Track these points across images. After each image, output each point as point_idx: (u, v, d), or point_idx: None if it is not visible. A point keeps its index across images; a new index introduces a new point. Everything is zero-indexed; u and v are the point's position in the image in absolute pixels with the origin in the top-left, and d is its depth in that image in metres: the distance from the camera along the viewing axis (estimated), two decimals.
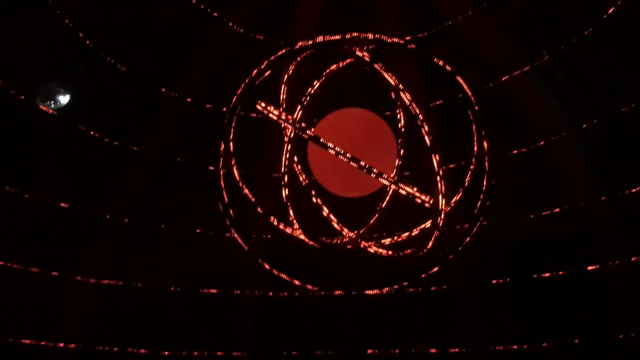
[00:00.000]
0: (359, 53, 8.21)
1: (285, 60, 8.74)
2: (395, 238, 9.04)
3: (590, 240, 12.55)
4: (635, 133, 12.21)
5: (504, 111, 13.02)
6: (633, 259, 11.75)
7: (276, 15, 13.83)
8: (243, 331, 13.69)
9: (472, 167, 8.43)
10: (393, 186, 8.37)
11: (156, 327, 12.94)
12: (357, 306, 13.04)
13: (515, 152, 13.12)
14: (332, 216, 9.06)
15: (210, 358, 13.22)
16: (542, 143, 12.89)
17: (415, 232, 8.73)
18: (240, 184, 8.83)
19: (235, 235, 8.51)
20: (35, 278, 11.66)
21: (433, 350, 13.27)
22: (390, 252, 8.81)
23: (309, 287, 8.85)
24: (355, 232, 9.12)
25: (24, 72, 11.64)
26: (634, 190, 11.90)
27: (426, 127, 7.70)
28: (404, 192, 8.18)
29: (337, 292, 10.17)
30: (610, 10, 11.67)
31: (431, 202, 7.83)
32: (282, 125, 8.74)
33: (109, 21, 12.59)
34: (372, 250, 8.89)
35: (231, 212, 8.38)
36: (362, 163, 8.11)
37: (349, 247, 8.92)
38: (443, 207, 7.72)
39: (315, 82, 9.22)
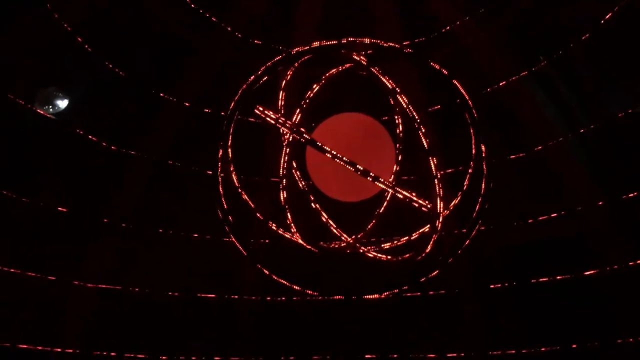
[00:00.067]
0: (356, 57, 8.24)
1: (283, 66, 8.75)
2: (395, 242, 9.04)
3: (588, 245, 12.57)
4: (632, 138, 12.25)
5: (502, 116, 13.07)
6: (631, 263, 11.77)
7: (275, 21, 13.87)
8: (241, 336, 13.66)
9: (470, 170, 8.43)
10: (390, 190, 8.38)
11: (154, 331, 12.91)
12: (356, 311, 13.03)
13: (513, 157, 13.15)
14: (330, 221, 9.06)
15: None
16: (539, 148, 12.92)
17: (414, 236, 8.72)
18: (240, 190, 8.83)
19: (236, 242, 8.51)
20: (32, 282, 11.63)
21: (431, 355, 13.26)
22: (389, 257, 8.81)
23: (309, 292, 8.85)
24: (353, 237, 9.13)
25: (23, 76, 11.63)
26: (631, 195, 11.92)
27: (423, 130, 7.71)
28: (401, 196, 8.18)
29: (337, 297, 10.15)
30: (607, 16, 11.73)
31: (429, 206, 7.84)
32: (280, 129, 8.75)
33: (108, 26, 12.59)
34: (371, 255, 8.88)
35: (230, 219, 8.38)
36: (359, 167, 8.12)
37: (347, 251, 8.93)
38: (441, 210, 7.73)
39: (315, 85, 9.23)
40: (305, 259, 8.83)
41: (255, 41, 13.78)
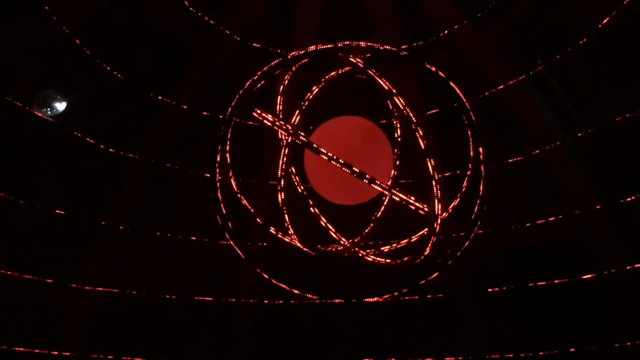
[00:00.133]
0: (352, 60, 8.25)
1: (281, 71, 8.77)
2: (394, 245, 9.03)
3: (585, 249, 12.57)
4: (629, 142, 12.27)
5: (500, 120, 13.09)
6: (628, 267, 11.77)
7: (274, 23, 13.89)
8: (239, 339, 13.64)
9: (468, 172, 8.43)
10: (386, 192, 8.37)
11: (151, 335, 12.88)
12: (354, 314, 13.02)
13: (511, 160, 13.16)
14: (329, 225, 9.05)
15: None
16: (537, 152, 12.94)
17: (414, 239, 8.71)
18: (239, 194, 8.84)
19: (236, 248, 8.51)
20: (29, 285, 11.61)
21: (430, 359, 13.24)
22: (388, 260, 8.79)
23: (309, 296, 8.84)
24: (350, 240, 9.11)
25: (21, 78, 11.63)
26: (629, 199, 11.94)
27: (421, 132, 7.71)
28: (398, 199, 8.18)
29: (337, 301, 10.13)
30: (605, 20, 11.76)
31: (426, 208, 7.84)
32: (278, 132, 8.76)
33: (106, 28, 12.60)
34: (369, 259, 8.87)
35: (230, 224, 8.38)
36: (355, 169, 8.12)
37: (345, 255, 8.91)
38: (439, 212, 7.72)
39: (314, 87, 9.24)
40: (303, 262, 8.82)
41: (255, 44, 13.80)
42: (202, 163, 8.92)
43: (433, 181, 7.69)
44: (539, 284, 12.70)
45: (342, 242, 9.03)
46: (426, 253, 7.89)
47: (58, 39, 11.66)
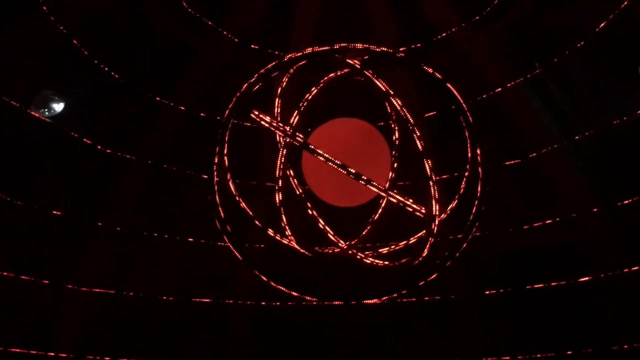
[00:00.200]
0: (349, 61, 8.26)
1: (278, 73, 8.77)
2: (393, 247, 9.02)
3: (583, 252, 12.59)
4: (627, 145, 12.30)
5: (497, 122, 13.12)
6: (626, 270, 11.79)
7: (274, 24, 13.89)
8: (236, 341, 13.62)
9: (466, 174, 8.43)
10: (383, 194, 8.38)
11: (148, 336, 12.86)
12: (350, 317, 13.01)
13: (508, 163, 13.18)
14: (327, 228, 9.03)
15: None
16: (534, 154, 12.96)
17: (412, 240, 8.70)
18: (237, 197, 8.83)
19: (235, 251, 8.50)
20: (26, 286, 11.58)
21: None
22: (386, 262, 8.78)
23: (308, 298, 8.83)
24: (347, 242, 9.10)
25: (18, 79, 11.62)
26: (626, 202, 11.96)
27: (418, 132, 7.71)
28: (394, 200, 8.19)
29: (336, 303, 10.12)
30: (603, 24, 11.80)
31: (423, 210, 7.84)
32: (275, 132, 8.76)
33: (104, 29, 12.60)
34: (367, 261, 8.86)
35: (228, 228, 8.38)
36: (351, 170, 8.12)
37: (342, 256, 8.90)
38: (437, 213, 7.72)
39: (314, 88, 9.25)
40: (302, 264, 8.81)
41: (255, 46, 13.80)
42: (201, 164, 8.91)
43: (430, 182, 7.69)
44: (536, 286, 12.71)
45: (340, 245, 9.03)
46: (424, 255, 7.88)
47: (57, 39, 11.64)
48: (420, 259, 7.92)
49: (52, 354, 11.85)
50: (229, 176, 8.66)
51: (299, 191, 9.36)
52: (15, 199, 11.45)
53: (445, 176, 11.87)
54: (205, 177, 8.69)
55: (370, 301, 8.81)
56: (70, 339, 12.22)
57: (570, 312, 12.36)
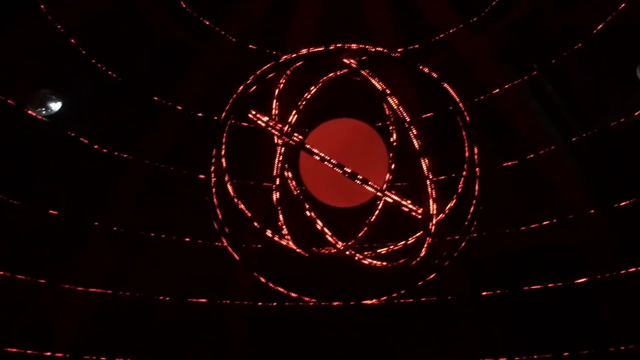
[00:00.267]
0: (346, 61, 8.27)
1: (275, 74, 8.78)
2: (391, 247, 9.03)
3: (579, 253, 12.61)
4: (624, 147, 12.33)
5: (495, 124, 13.13)
6: (622, 271, 11.81)
7: (272, 26, 13.88)
8: (233, 341, 13.60)
9: (464, 173, 8.44)
10: (379, 194, 8.38)
11: (145, 336, 12.84)
12: (348, 317, 13.00)
13: (505, 164, 13.19)
14: (326, 229, 9.03)
15: None
16: (532, 156, 12.97)
17: (410, 240, 8.71)
18: (235, 199, 8.84)
19: (232, 252, 8.50)
20: (22, 286, 11.54)
21: None
22: (384, 263, 8.79)
23: (307, 299, 8.83)
24: (344, 244, 9.10)
25: (16, 78, 11.59)
26: (623, 203, 11.98)
27: (414, 131, 7.72)
28: (390, 200, 8.20)
29: (335, 303, 10.13)
30: (600, 26, 11.82)
31: (419, 210, 7.85)
32: (273, 132, 8.76)
33: (103, 29, 12.57)
34: (365, 262, 8.87)
35: (227, 230, 8.38)
36: (347, 169, 8.13)
37: (339, 256, 8.90)
38: (434, 212, 7.73)
39: (312, 87, 9.26)
40: (300, 264, 8.82)
41: (255, 46, 13.77)
42: (200, 164, 8.90)
43: (427, 181, 7.70)
44: (533, 287, 12.72)
45: (337, 246, 9.03)
46: (422, 255, 7.89)
47: (57, 40, 11.62)
48: (418, 259, 7.93)
49: (49, 353, 11.81)
50: (227, 178, 8.66)
51: (296, 192, 9.37)
52: (15, 199, 11.41)
53: (442, 177, 11.89)
54: (203, 177, 8.69)
55: (368, 301, 8.82)
56: (70, 340, 12.19)
57: (568, 314, 12.38)
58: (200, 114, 13.46)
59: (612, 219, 12.25)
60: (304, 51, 8.42)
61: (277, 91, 9.19)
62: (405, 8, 13.64)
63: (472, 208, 7.95)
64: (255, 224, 8.97)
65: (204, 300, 13.40)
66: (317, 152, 8.32)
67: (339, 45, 8.25)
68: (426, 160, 7.71)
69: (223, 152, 8.55)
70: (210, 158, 8.50)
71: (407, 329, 13.55)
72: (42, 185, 12.19)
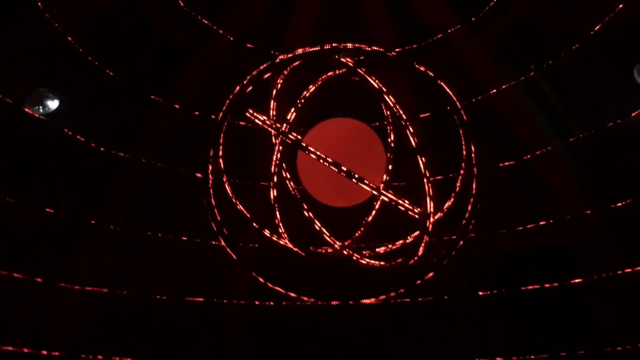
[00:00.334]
0: (343, 60, 8.26)
1: (272, 74, 8.77)
2: (390, 247, 9.03)
3: (576, 253, 12.64)
4: (621, 147, 12.36)
5: (492, 124, 13.14)
6: (619, 272, 11.84)
7: (272, 26, 13.87)
8: (231, 341, 13.60)
9: (462, 172, 8.43)
10: (375, 192, 8.38)
11: (143, 336, 12.82)
12: (345, 317, 13.00)
13: (502, 164, 13.20)
14: (324, 229, 9.03)
15: None
16: (529, 156, 12.99)
17: (409, 239, 8.71)
18: (234, 199, 8.83)
19: (231, 253, 8.50)
20: (19, 284, 11.51)
21: None
22: (382, 263, 8.79)
23: (305, 298, 8.83)
24: (340, 244, 9.09)
25: (15, 78, 11.56)
26: (619, 204, 12.01)
27: (411, 129, 7.71)
28: (387, 199, 8.20)
29: (334, 303, 10.12)
30: (597, 27, 11.84)
31: (416, 209, 7.85)
32: (270, 131, 8.76)
33: (101, 27, 12.54)
34: (362, 261, 8.86)
35: (225, 231, 8.37)
36: (343, 167, 8.13)
37: (336, 256, 8.90)
38: (431, 210, 7.72)
39: (311, 86, 9.25)
40: (297, 264, 8.82)
41: (255, 46, 13.75)
42: (198, 163, 8.89)
43: (424, 179, 7.69)
44: (529, 287, 12.74)
45: (335, 246, 9.02)
46: (420, 254, 7.89)
47: (56, 39, 11.58)
48: (416, 258, 7.93)
49: (45, 352, 11.79)
50: (224, 178, 8.66)
51: (294, 192, 9.37)
52: (14, 198, 11.38)
53: (439, 177, 11.90)
54: (200, 176, 8.68)
55: (367, 301, 8.82)
56: (64, 338, 12.16)
57: (564, 314, 12.41)
58: (199, 113, 13.43)
59: (608, 220, 12.28)
60: (299, 51, 8.41)
61: (274, 91, 9.18)
62: (404, 9, 13.63)
63: (469, 206, 7.94)
64: (254, 224, 8.97)
65: (202, 299, 13.39)
66: (313, 150, 8.31)
67: (335, 44, 8.23)
68: (423, 158, 7.68)
69: (221, 154, 8.54)
70: (207, 159, 8.49)
71: (404, 328, 13.57)
72: (41, 185, 12.16)
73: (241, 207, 8.91)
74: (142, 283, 12.91)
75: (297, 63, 8.62)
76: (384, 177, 9.32)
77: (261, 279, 8.54)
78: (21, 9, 11.10)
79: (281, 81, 9.10)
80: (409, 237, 8.81)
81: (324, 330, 13.37)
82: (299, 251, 8.73)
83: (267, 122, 8.63)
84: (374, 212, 9.69)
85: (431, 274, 8.17)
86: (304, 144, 8.39)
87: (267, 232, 8.93)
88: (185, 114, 13.40)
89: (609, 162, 12.71)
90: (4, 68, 11.26)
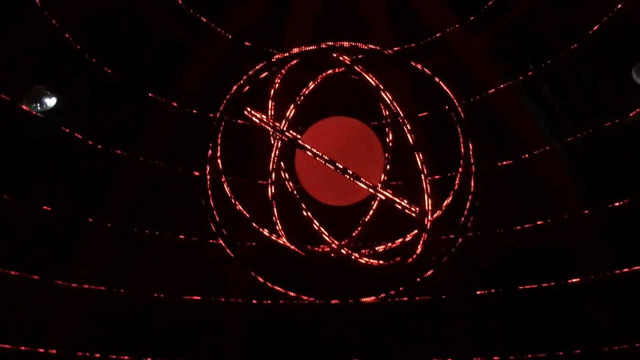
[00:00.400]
0: (340, 58, 8.27)
1: (269, 74, 8.78)
2: (389, 245, 9.02)
3: (574, 253, 12.65)
4: (619, 147, 12.37)
5: (491, 123, 13.15)
6: (617, 272, 11.85)
7: (272, 25, 13.88)
8: (230, 340, 13.61)
9: (460, 169, 8.43)
10: (371, 190, 8.38)
11: (139, 333, 12.83)
12: (344, 316, 13.02)
13: (501, 164, 13.22)
14: (322, 229, 9.03)
15: None
16: (527, 156, 13.00)
17: (408, 238, 8.71)
18: (233, 199, 8.84)
19: (230, 253, 8.51)
20: (16, 282, 11.53)
21: None
22: (380, 262, 8.79)
23: (304, 298, 8.84)
24: (339, 242, 9.10)
25: (14, 77, 11.58)
26: (617, 204, 12.02)
27: (409, 126, 7.71)
28: (383, 197, 8.20)
29: (333, 302, 10.13)
30: (596, 27, 11.86)
31: (413, 208, 7.85)
32: (268, 129, 8.77)
33: (100, 26, 12.56)
34: (363, 261, 8.87)
35: (224, 231, 8.39)
36: (339, 165, 8.13)
37: (333, 255, 8.90)
38: (429, 208, 7.72)
39: (311, 83, 9.25)
40: (296, 263, 8.83)
41: (255, 46, 13.76)
42: (198, 163, 8.91)
43: (422, 175, 7.67)
44: (527, 287, 12.75)
45: (334, 245, 9.03)
46: (418, 252, 7.89)
47: (56, 39, 11.60)
48: (415, 256, 7.93)
49: (42, 350, 11.81)
50: (223, 178, 8.67)
51: (292, 190, 9.37)
52: (15, 199, 11.40)
53: (438, 176, 11.91)
54: (198, 174, 8.70)
55: (366, 299, 8.83)
56: (61, 336, 12.18)
57: (561, 313, 12.42)
58: (199, 113, 13.44)
59: (606, 220, 12.29)
60: (295, 50, 8.42)
61: (272, 90, 9.18)
62: (404, 8, 13.64)
63: (468, 204, 7.94)
64: (254, 224, 8.98)
65: (202, 298, 13.40)
66: (309, 148, 8.32)
67: (331, 43, 8.24)
68: (420, 155, 7.67)
69: (219, 154, 8.55)
70: (205, 160, 8.50)
71: (403, 328, 13.58)
72: (41, 185, 12.18)
73: (240, 208, 8.91)
74: (143, 283, 12.93)
75: (294, 62, 8.61)
76: (382, 176, 9.32)
77: (260, 279, 8.55)
78: (21, 9, 11.12)
79: (279, 80, 9.10)
80: (407, 236, 8.80)
81: (323, 329, 13.38)
82: (298, 250, 8.73)
83: (265, 120, 8.64)
84: (372, 211, 9.69)
85: (430, 272, 8.17)
86: (301, 142, 8.40)
87: (265, 232, 8.93)
88: (185, 114, 13.41)
89: (607, 162, 12.73)
90: (3, 68, 11.27)
